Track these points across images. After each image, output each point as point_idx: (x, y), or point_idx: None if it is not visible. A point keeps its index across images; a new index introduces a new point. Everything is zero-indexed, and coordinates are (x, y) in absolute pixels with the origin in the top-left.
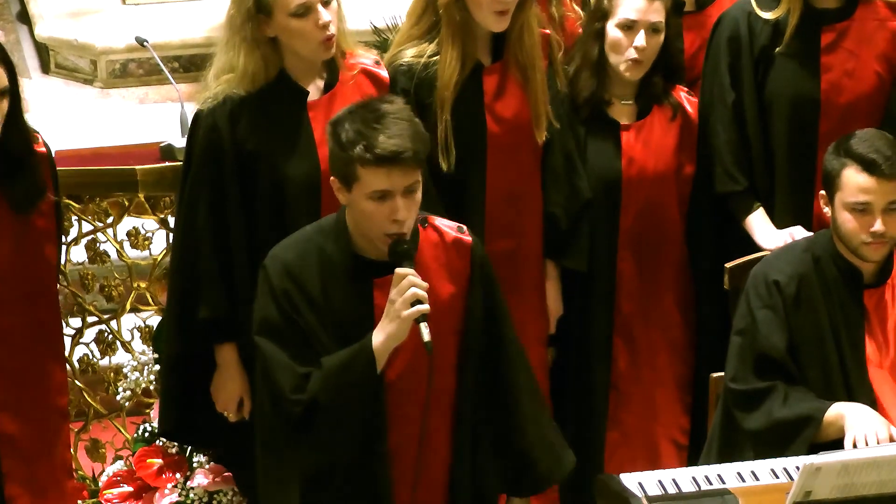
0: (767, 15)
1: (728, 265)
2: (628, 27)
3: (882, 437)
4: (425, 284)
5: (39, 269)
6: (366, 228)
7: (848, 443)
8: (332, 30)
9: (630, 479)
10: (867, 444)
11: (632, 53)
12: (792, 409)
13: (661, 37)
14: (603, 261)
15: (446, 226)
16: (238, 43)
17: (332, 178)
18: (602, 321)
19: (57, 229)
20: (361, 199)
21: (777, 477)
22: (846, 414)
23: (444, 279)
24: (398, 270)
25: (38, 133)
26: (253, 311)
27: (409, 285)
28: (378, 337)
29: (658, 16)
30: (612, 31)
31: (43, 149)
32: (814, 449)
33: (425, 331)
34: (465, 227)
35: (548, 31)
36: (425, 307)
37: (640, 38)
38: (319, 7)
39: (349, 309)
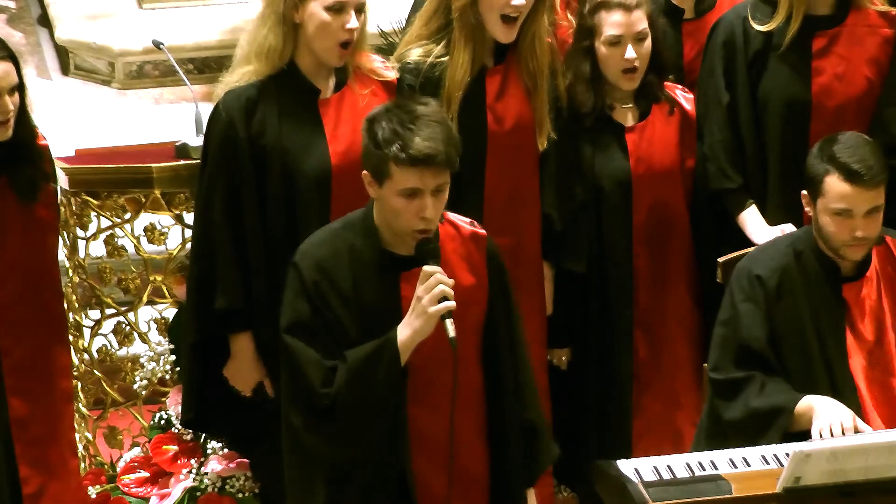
0: (763, 27)
1: (720, 259)
2: (615, 42)
3: (847, 427)
4: (451, 282)
5: (43, 258)
6: (394, 223)
7: (815, 433)
8: (353, 37)
9: (626, 466)
10: (832, 435)
11: (624, 65)
12: (767, 399)
13: (649, 41)
14: (620, 257)
15: (461, 220)
16: (269, 15)
17: (364, 171)
18: (623, 315)
19: (57, 220)
20: (392, 196)
21: (767, 463)
22: (815, 406)
23: (465, 271)
24: (426, 268)
25: (37, 128)
26: (281, 308)
27: (436, 282)
28: (404, 332)
29: (641, 24)
30: (601, 48)
31: (44, 142)
32: (786, 439)
33: (450, 327)
34: (476, 223)
35: (550, 39)
36: (451, 304)
37: (630, 51)
38: (353, 11)
39: (378, 301)
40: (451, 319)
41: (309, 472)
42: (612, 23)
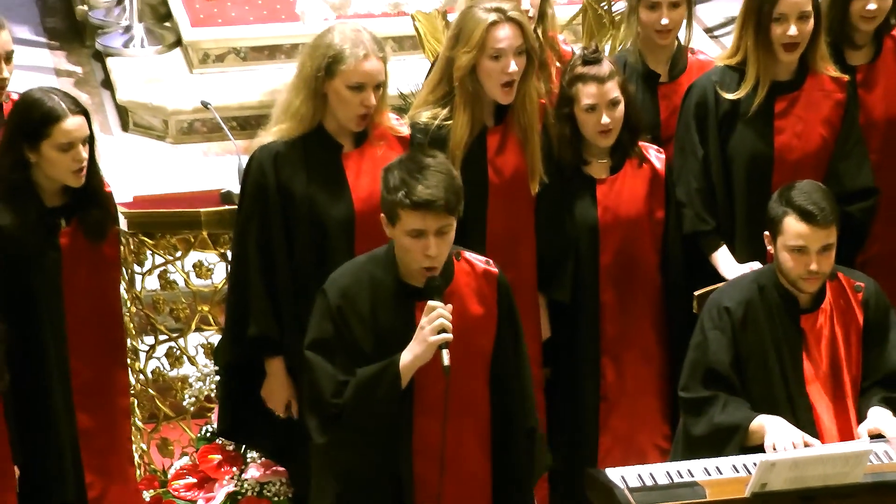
0: (731, 95)
1: (697, 293)
2: (591, 109)
3: (797, 444)
4: (450, 317)
5: (107, 290)
6: (405, 260)
7: (768, 448)
8: (371, 111)
9: (614, 473)
10: (784, 451)
11: (601, 128)
12: (728, 416)
13: (622, 105)
14: (588, 293)
15: (476, 259)
16: (301, 87)
17: (381, 214)
18: (589, 343)
19: (119, 257)
20: (401, 235)
21: (738, 471)
22: (766, 425)
23: (475, 302)
24: (430, 303)
25: (103, 176)
26: (307, 330)
27: (437, 315)
28: (407, 356)
29: (613, 92)
30: (580, 113)
31: (109, 189)
32: (744, 452)
33: (446, 356)
34: (491, 261)
35: (544, 101)
36: (449, 336)
37: (604, 117)
38: (371, 90)
39: (394, 326)
40: (448, 350)
41: (323, 468)
42: (587, 94)
